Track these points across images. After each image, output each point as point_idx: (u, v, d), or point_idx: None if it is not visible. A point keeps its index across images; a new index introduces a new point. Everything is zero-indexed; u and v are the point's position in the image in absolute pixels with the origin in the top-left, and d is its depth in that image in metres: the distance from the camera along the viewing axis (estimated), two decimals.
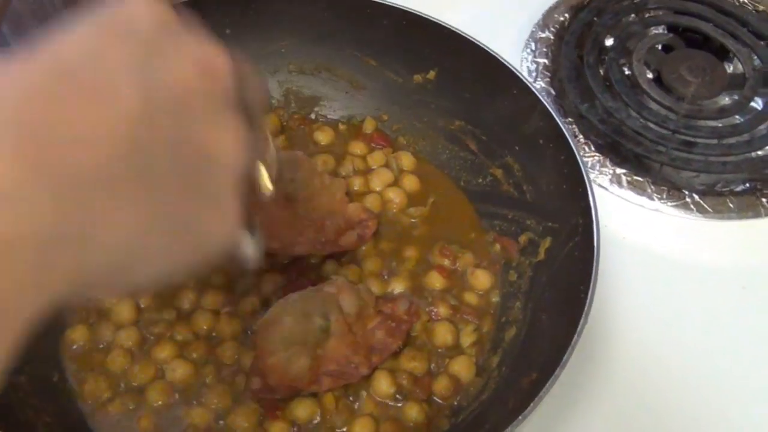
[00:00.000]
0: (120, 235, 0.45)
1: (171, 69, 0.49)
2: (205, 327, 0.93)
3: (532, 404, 0.74)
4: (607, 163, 1.16)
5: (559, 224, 0.93)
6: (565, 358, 0.77)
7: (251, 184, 0.62)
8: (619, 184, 1.14)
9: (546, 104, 0.93)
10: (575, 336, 0.78)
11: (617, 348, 1.01)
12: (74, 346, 0.93)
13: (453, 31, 0.99)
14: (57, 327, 0.94)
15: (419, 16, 1.01)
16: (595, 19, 1.33)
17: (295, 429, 0.87)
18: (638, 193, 1.14)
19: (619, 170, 1.15)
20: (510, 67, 0.96)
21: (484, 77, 0.99)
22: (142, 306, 0.95)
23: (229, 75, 0.53)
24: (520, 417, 0.74)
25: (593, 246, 0.84)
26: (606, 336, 1.02)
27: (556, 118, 0.92)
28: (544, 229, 0.96)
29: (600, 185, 1.15)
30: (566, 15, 1.34)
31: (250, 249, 0.62)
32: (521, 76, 0.95)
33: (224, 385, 0.90)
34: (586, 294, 0.81)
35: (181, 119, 0.49)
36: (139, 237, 0.46)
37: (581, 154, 1.13)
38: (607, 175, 1.15)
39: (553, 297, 0.90)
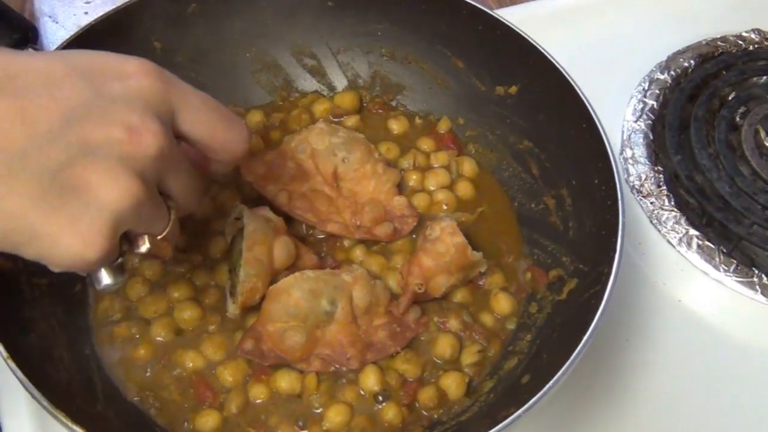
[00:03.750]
0: None
1: (101, 121, 0.60)
2: (224, 278, 0.95)
3: None
4: (682, 221, 1.11)
5: (588, 268, 0.90)
6: (531, 402, 0.75)
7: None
8: (689, 245, 1.10)
9: (607, 146, 0.90)
10: (549, 384, 0.76)
11: (642, 405, 1.00)
12: None
13: (540, 51, 0.97)
14: None
15: (512, 29, 0.99)
16: (724, 72, 1.27)
17: (273, 396, 0.89)
18: (705, 260, 1.09)
19: (692, 231, 1.10)
20: (584, 100, 0.93)
21: (559, 104, 0.97)
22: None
23: (152, 154, 0.62)
24: None
25: (602, 298, 0.81)
26: (632, 391, 1.01)
27: (613, 163, 0.89)
28: (575, 269, 0.93)
29: (669, 242, 1.11)
30: (691, 62, 1.29)
31: (104, 280, 0.70)
32: (592, 112, 0.92)
33: (223, 338, 0.92)
34: (577, 345, 0.78)
35: (75, 156, 0.58)
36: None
37: (659, 204, 1.10)
38: (678, 233, 1.10)
39: (560, 340, 0.88)
